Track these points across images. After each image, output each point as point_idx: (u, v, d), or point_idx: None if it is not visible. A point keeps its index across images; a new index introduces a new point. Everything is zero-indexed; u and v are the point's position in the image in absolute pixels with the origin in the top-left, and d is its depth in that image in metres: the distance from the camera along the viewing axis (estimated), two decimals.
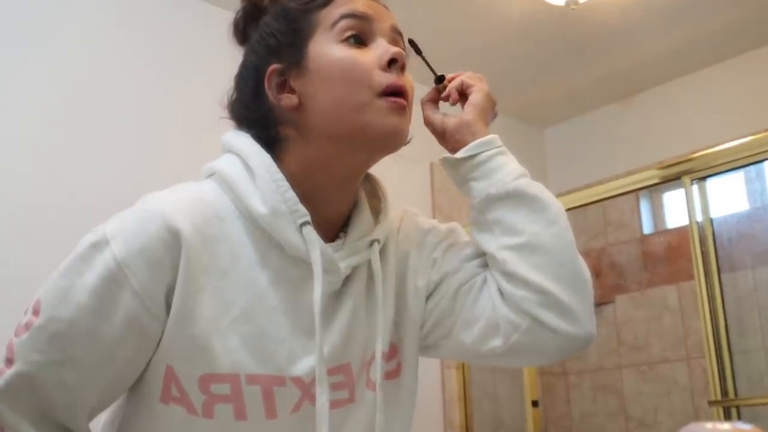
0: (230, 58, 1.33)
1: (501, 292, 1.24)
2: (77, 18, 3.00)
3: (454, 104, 1.37)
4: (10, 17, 2.82)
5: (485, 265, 1.30)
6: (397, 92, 1.20)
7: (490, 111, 1.36)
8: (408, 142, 1.30)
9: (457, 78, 1.38)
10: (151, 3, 3.23)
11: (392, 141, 1.22)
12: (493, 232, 1.26)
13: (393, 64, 1.21)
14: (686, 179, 2.98)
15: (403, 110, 1.20)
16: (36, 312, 1.09)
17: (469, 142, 1.30)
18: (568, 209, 3.69)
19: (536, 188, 1.27)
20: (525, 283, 1.20)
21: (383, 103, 1.18)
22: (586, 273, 1.24)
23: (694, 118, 4.12)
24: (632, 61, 4.10)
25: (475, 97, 1.34)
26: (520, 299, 1.21)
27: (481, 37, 3.76)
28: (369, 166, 1.28)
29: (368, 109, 1.18)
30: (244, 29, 1.32)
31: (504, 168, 1.27)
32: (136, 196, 1.19)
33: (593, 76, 4.24)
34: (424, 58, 1.36)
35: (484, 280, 1.28)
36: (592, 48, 3.96)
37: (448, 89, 1.38)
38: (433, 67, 1.38)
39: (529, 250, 1.22)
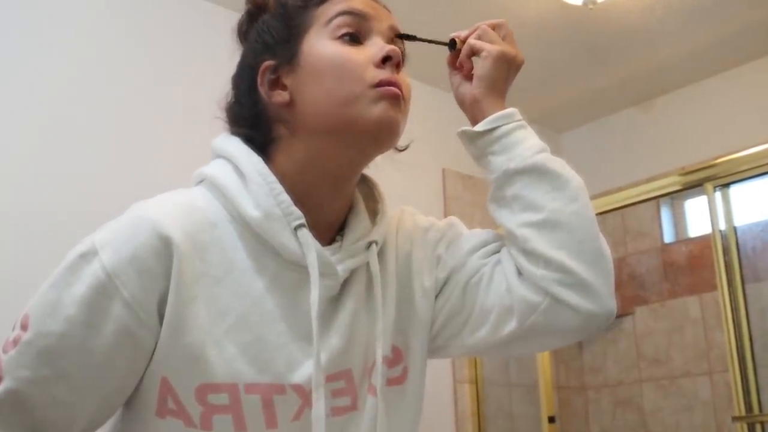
0: (231, 57, 1.33)
1: (519, 271, 1.24)
2: (75, 18, 3.00)
3: (469, 74, 1.34)
4: (6, 17, 2.82)
5: (491, 254, 1.31)
6: (390, 84, 1.20)
7: (503, 76, 1.33)
8: (406, 148, 1.30)
9: (467, 41, 1.35)
10: (152, 2, 3.23)
11: (383, 132, 1.21)
12: (512, 209, 1.26)
13: (387, 61, 1.21)
14: (709, 186, 2.97)
15: (395, 99, 1.20)
16: (24, 326, 1.09)
17: (480, 120, 1.29)
18: None
19: (557, 163, 1.27)
20: (546, 262, 1.20)
21: (374, 92, 1.18)
22: (607, 250, 1.25)
23: (717, 122, 4.10)
24: (652, 63, 4.09)
25: (482, 68, 1.32)
26: (540, 278, 1.20)
27: None
28: (363, 164, 1.28)
29: (358, 100, 1.18)
30: (246, 31, 1.33)
31: (524, 142, 1.27)
32: (135, 200, 1.19)
33: (612, 78, 4.23)
34: (423, 39, 1.34)
35: (493, 267, 1.29)
36: (611, 49, 3.95)
37: (459, 59, 1.36)
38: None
39: (550, 227, 1.22)
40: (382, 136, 1.22)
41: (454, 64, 1.37)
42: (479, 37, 1.34)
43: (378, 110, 1.18)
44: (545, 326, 1.22)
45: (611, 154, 4.54)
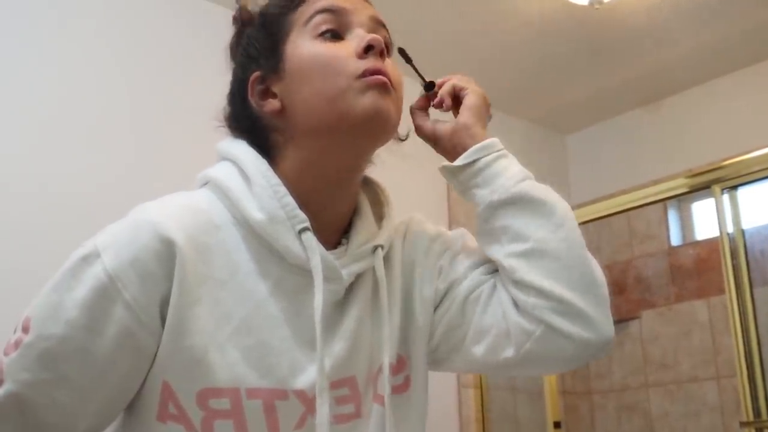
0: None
1: (513, 300, 1.24)
2: (73, 19, 3.00)
3: (447, 110, 1.36)
4: (6, 18, 2.82)
5: (493, 271, 1.30)
6: (375, 73, 1.20)
7: (485, 113, 1.35)
8: (406, 138, 1.31)
9: (447, 82, 1.37)
10: (150, 1, 3.24)
11: (375, 122, 1.21)
12: (500, 240, 1.26)
13: (370, 50, 1.21)
14: (716, 188, 2.98)
15: (383, 87, 1.20)
16: (25, 329, 1.09)
17: (469, 146, 1.29)
18: (592, 220, 3.67)
19: (540, 191, 1.27)
20: (536, 291, 1.20)
21: (361, 83, 1.19)
22: (599, 275, 1.24)
23: (725, 123, 4.10)
24: (659, 64, 4.08)
25: (471, 99, 1.34)
26: (532, 306, 1.20)
27: (499, 38, 3.76)
28: (362, 161, 1.28)
29: (345, 94, 1.18)
30: (236, 49, 1.34)
31: (506, 172, 1.27)
32: (138, 201, 1.19)
33: (618, 79, 4.23)
34: (413, 66, 1.36)
35: (493, 287, 1.28)
36: (617, 49, 3.95)
37: (440, 95, 1.37)
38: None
39: (538, 256, 1.22)
40: (375, 126, 1.21)
41: (425, 105, 1.39)
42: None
43: (367, 101, 1.18)
44: (540, 354, 1.21)
45: (617, 156, 4.53)
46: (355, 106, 1.18)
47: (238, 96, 1.29)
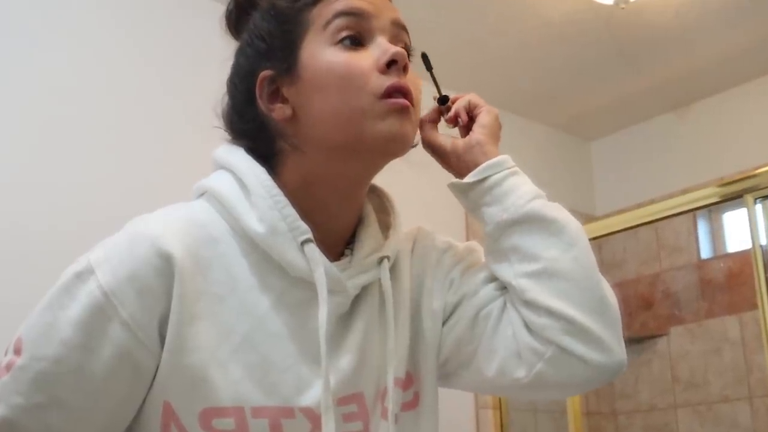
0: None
1: (523, 320, 1.24)
2: (76, 18, 3.01)
3: (463, 125, 1.36)
4: (5, 16, 2.84)
5: (504, 287, 1.30)
6: (397, 93, 1.19)
7: (497, 132, 1.35)
8: (415, 146, 1.29)
9: (462, 98, 1.37)
10: (154, 2, 3.25)
11: (393, 147, 1.22)
12: (510, 261, 1.26)
13: (393, 65, 1.20)
14: (749, 198, 2.96)
15: (404, 111, 1.20)
16: (17, 351, 1.09)
17: (481, 163, 1.29)
18: (617, 231, 3.65)
19: (552, 209, 1.26)
20: (547, 311, 1.20)
21: (382, 105, 1.18)
22: (611, 297, 1.24)
23: (758, 129, 4.09)
24: (689, 66, 4.08)
25: (486, 118, 1.34)
26: (542, 327, 1.20)
27: (519, 40, 3.76)
28: (373, 175, 1.28)
29: (365, 115, 1.18)
30: (236, 22, 1.33)
31: (516, 190, 1.27)
32: (135, 211, 1.19)
33: (645, 83, 4.22)
34: (433, 75, 1.36)
35: (503, 306, 1.28)
36: (644, 52, 3.95)
37: (454, 109, 1.37)
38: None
39: (548, 276, 1.22)
40: (392, 150, 1.23)
41: (436, 119, 1.38)
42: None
43: (387, 126, 1.18)
44: (551, 376, 1.21)
45: (644, 164, 4.53)
46: (374, 131, 1.18)
47: (242, 90, 1.27)
